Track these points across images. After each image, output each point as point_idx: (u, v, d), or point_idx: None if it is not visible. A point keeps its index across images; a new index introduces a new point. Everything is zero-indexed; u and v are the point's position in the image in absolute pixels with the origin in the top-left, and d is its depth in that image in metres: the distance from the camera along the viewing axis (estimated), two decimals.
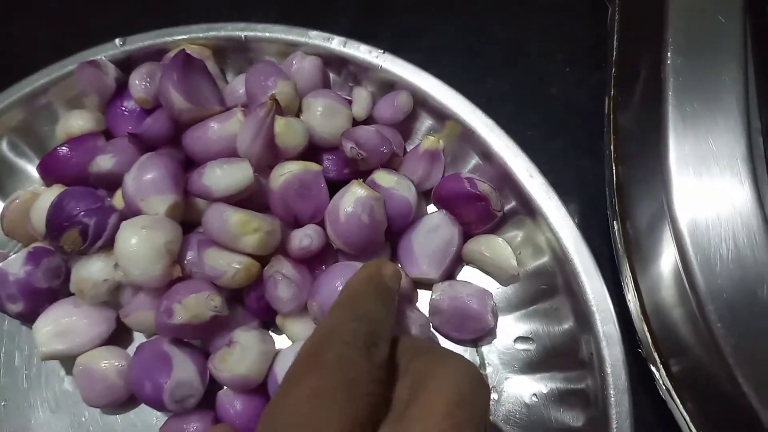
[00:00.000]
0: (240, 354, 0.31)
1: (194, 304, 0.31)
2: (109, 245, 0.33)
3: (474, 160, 0.37)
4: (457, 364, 0.23)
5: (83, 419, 0.35)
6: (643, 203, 0.31)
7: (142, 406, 0.34)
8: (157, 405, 0.31)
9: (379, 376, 0.23)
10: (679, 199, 0.28)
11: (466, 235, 0.36)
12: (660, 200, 0.29)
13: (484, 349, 0.35)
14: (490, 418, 0.33)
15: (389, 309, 0.26)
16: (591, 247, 0.32)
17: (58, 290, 0.35)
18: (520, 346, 0.35)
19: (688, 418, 0.28)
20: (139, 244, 0.31)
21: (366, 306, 0.25)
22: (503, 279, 0.36)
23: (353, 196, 0.33)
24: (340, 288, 0.31)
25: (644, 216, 0.31)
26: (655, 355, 0.29)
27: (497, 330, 0.35)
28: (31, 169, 0.40)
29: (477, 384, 0.23)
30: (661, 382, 0.29)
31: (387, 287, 0.27)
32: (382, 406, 0.22)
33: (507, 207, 0.36)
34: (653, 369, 0.29)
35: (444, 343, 0.35)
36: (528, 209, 0.34)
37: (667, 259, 0.29)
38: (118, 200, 0.34)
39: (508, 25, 0.46)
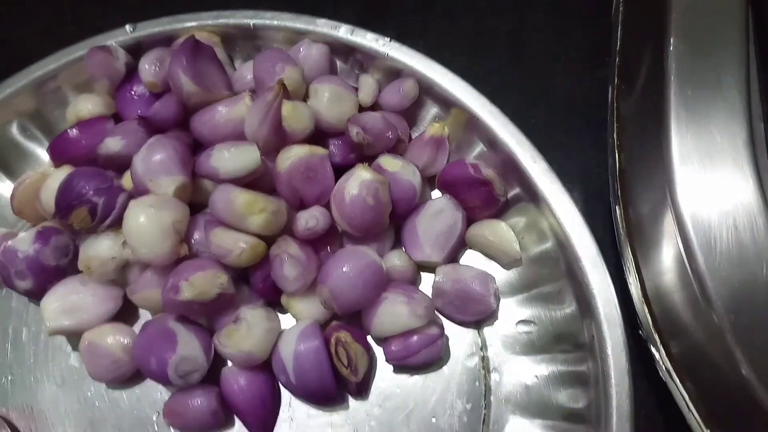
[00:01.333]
0: (246, 330, 0.31)
1: (201, 282, 0.31)
2: (117, 224, 0.33)
3: (478, 147, 0.37)
4: None
5: (89, 394, 0.35)
6: (645, 188, 0.31)
7: (147, 381, 0.35)
8: (162, 379, 0.32)
9: None
10: (681, 184, 0.28)
11: (470, 221, 0.37)
12: (662, 185, 0.29)
13: (486, 330, 0.35)
14: (491, 398, 0.33)
15: None
16: (594, 235, 0.32)
17: (66, 268, 0.35)
18: (522, 328, 0.35)
19: (687, 398, 0.28)
20: (148, 223, 0.31)
21: None
22: (506, 263, 0.36)
23: (358, 179, 0.33)
24: (349, 272, 0.32)
25: (646, 201, 0.31)
26: (656, 336, 0.29)
27: (499, 313, 0.35)
28: (41, 152, 0.41)
29: None
30: (661, 362, 0.29)
31: None
32: None
33: (511, 193, 0.36)
34: (653, 350, 0.30)
35: (447, 324, 0.35)
36: (531, 195, 0.34)
37: (668, 244, 0.29)
38: (126, 181, 0.35)
39: (511, 19, 0.47)
